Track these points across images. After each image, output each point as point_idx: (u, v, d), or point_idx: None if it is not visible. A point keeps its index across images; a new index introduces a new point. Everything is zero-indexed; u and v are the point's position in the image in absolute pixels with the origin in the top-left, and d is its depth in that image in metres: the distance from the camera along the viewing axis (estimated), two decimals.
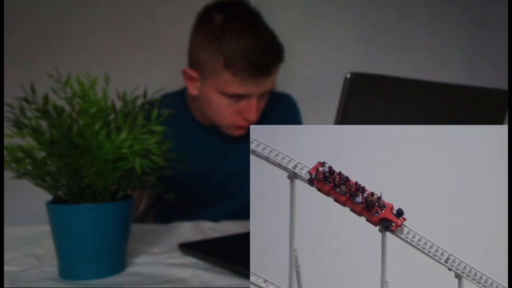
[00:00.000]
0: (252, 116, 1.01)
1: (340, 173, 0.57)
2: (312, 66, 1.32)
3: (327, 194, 0.57)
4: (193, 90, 1.04)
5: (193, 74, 1.02)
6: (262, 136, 0.59)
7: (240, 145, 1.12)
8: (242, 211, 1.09)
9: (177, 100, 1.13)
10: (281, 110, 1.18)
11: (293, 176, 0.59)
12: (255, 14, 1.01)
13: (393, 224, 0.56)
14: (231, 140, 1.11)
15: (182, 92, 1.16)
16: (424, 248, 0.55)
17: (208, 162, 1.12)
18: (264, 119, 1.09)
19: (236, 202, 1.15)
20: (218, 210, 1.15)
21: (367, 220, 0.57)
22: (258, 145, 0.59)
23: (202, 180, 1.12)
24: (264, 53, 0.97)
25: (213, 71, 0.97)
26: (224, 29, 0.96)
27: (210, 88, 1.00)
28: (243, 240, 0.76)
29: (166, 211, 1.20)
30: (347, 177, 0.57)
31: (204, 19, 1.01)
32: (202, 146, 1.11)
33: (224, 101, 1.00)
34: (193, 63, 1.02)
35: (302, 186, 0.59)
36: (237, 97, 0.99)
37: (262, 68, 0.97)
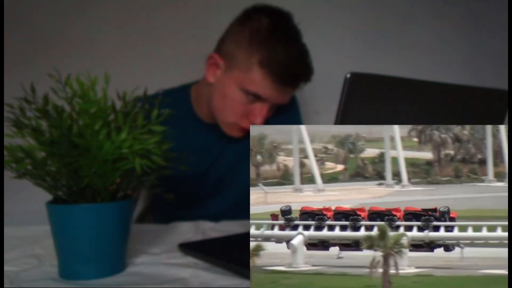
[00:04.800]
0: (258, 121, 1.02)
1: None
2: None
3: None
4: (211, 77, 1.06)
5: (220, 61, 1.03)
6: None
7: (238, 141, 1.12)
8: (239, 207, 1.09)
9: (179, 97, 1.14)
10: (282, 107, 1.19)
11: None
12: (298, 29, 1.04)
13: None
14: (230, 137, 1.11)
15: (184, 89, 1.16)
16: None
17: (207, 159, 1.13)
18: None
19: (233, 197, 1.15)
20: (215, 205, 1.15)
21: None
22: None
23: (200, 176, 1.12)
24: (301, 66, 1.01)
25: (244, 65, 0.99)
26: (270, 33, 0.98)
27: (232, 80, 1.01)
28: (243, 240, 0.76)
29: (165, 208, 1.20)
30: None
31: (250, 17, 1.02)
32: (202, 143, 1.12)
33: (240, 97, 1.01)
34: (223, 51, 1.03)
35: None
36: (255, 97, 1.01)
37: (293, 79, 1.01)
